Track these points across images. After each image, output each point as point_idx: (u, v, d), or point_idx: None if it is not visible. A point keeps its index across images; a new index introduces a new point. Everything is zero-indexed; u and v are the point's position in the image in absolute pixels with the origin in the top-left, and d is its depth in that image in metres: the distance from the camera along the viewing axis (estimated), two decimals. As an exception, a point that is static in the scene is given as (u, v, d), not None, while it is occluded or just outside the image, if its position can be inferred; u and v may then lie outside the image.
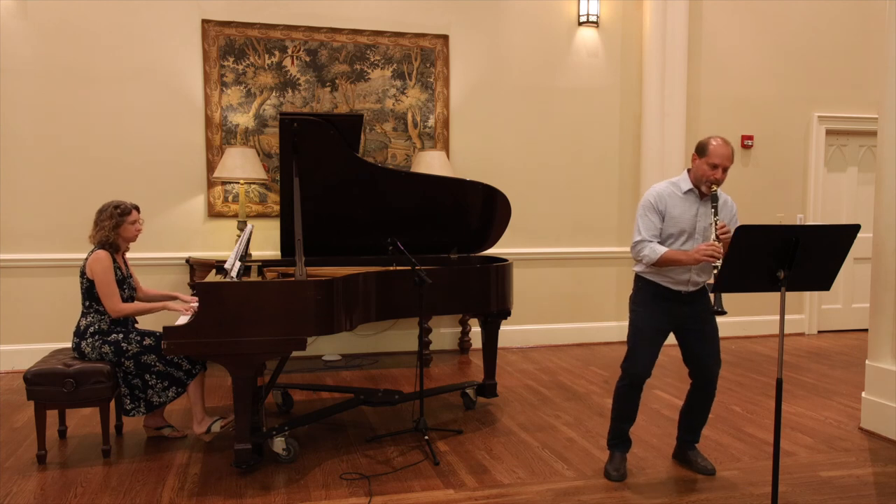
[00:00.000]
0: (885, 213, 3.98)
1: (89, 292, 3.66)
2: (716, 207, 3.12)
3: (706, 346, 3.33)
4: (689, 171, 3.29)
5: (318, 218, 4.03)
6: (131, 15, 5.37)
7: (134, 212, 3.76)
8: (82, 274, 3.67)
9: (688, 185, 3.25)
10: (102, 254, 3.64)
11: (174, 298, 3.95)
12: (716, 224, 3.08)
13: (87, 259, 3.67)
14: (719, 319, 3.35)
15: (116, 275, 3.68)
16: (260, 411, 3.69)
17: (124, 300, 3.73)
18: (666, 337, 3.34)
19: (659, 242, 3.21)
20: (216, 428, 3.82)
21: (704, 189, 3.19)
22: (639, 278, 3.36)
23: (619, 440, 3.46)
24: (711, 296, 3.15)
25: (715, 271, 3.02)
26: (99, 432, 3.63)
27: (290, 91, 5.68)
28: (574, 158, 6.35)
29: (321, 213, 4.04)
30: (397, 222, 4.24)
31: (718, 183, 3.14)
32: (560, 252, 6.37)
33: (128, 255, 3.89)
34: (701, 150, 3.21)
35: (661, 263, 3.16)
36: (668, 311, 3.28)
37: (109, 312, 3.64)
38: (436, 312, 4.76)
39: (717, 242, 3.04)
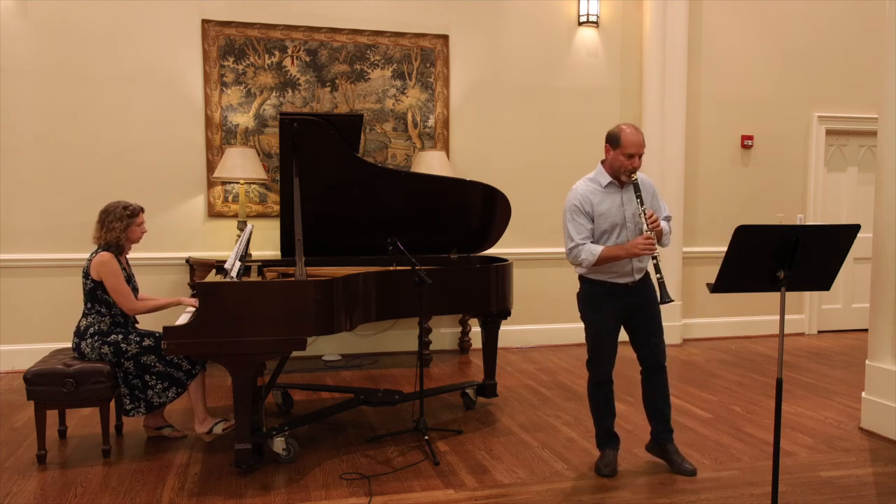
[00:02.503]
0: (885, 213, 3.98)
1: (92, 293, 3.65)
2: (640, 197, 3.15)
3: (651, 334, 3.37)
4: (602, 162, 3.30)
5: (318, 218, 4.03)
6: (131, 15, 5.37)
7: (141, 213, 3.78)
8: (86, 275, 3.66)
9: (606, 178, 3.27)
10: (107, 256, 3.62)
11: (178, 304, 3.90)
12: (644, 214, 3.11)
13: (90, 260, 3.66)
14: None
15: (123, 274, 3.69)
16: (260, 411, 3.69)
17: None
18: (619, 328, 3.37)
19: (594, 242, 3.25)
20: (218, 430, 3.82)
21: (624, 178, 3.22)
22: (584, 280, 3.39)
23: (605, 438, 3.49)
24: (657, 285, 3.16)
25: (653, 261, 3.10)
26: (99, 432, 3.63)
27: (290, 91, 5.68)
28: (574, 158, 6.34)
29: (321, 213, 4.04)
30: (397, 222, 4.23)
31: (636, 170, 3.17)
32: (560, 252, 6.27)
33: (129, 255, 3.89)
34: (613, 140, 3.21)
35: (600, 262, 3.20)
36: (617, 306, 3.32)
37: (126, 312, 3.66)
38: (436, 312, 4.77)
39: (650, 234, 3.08)
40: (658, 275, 3.11)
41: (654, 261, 3.10)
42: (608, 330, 3.34)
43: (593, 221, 3.25)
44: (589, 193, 3.27)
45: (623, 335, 3.39)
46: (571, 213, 3.27)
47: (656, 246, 3.11)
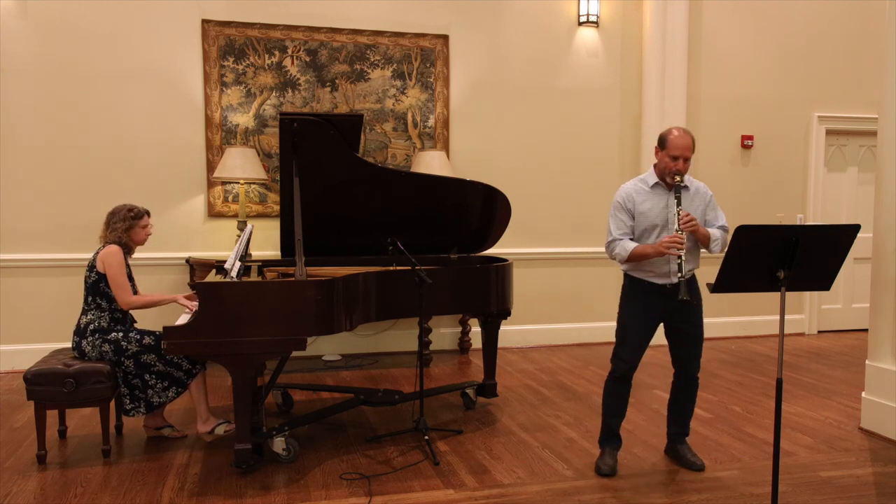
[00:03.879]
0: (885, 213, 3.98)
1: (94, 287, 3.67)
2: (678, 198, 3.16)
3: (689, 346, 3.39)
4: (655, 165, 3.34)
5: (318, 218, 4.03)
6: (131, 15, 5.37)
7: (146, 216, 3.83)
8: (91, 268, 3.68)
9: (654, 179, 3.31)
10: (115, 248, 3.67)
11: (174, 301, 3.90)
12: (678, 215, 3.13)
13: (97, 253, 3.69)
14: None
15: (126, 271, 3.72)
16: (260, 411, 3.69)
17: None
18: (653, 331, 3.39)
19: (633, 239, 3.29)
20: (220, 431, 3.83)
21: (669, 180, 3.24)
22: (625, 276, 3.44)
23: (608, 437, 3.50)
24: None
25: (678, 261, 3.10)
26: (99, 432, 3.63)
27: (290, 91, 5.68)
28: (574, 158, 6.35)
29: (321, 213, 4.04)
30: (397, 222, 4.23)
31: (681, 173, 3.18)
32: (560, 252, 6.37)
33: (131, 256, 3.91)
34: (661, 142, 3.26)
35: (632, 259, 3.26)
36: (653, 306, 3.33)
37: (121, 305, 3.67)
38: (436, 312, 4.76)
39: (680, 233, 3.09)
40: (679, 273, 3.12)
41: (679, 260, 3.11)
42: (635, 327, 3.34)
43: (634, 219, 3.29)
44: (633, 192, 3.32)
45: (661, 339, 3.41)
46: (614, 209, 3.34)
47: (683, 246, 3.09)
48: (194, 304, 3.64)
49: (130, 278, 3.77)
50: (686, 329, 3.37)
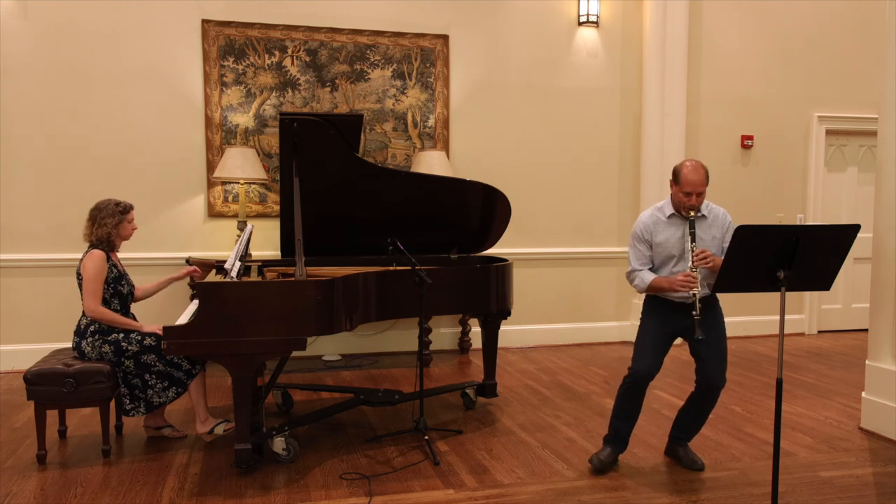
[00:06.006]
0: (885, 213, 3.98)
1: None
2: (693, 234, 3.18)
3: (713, 361, 3.35)
4: (671, 196, 3.34)
5: (319, 218, 4.03)
6: (131, 15, 5.37)
7: (131, 210, 3.79)
8: (78, 274, 3.67)
9: (670, 209, 3.32)
10: (98, 253, 3.64)
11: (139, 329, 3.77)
12: (692, 251, 3.14)
13: (82, 259, 3.67)
14: (724, 319, 3.38)
15: (113, 272, 3.69)
16: (260, 411, 3.68)
17: (125, 295, 3.76)
18: (669, 343, 3.38)
19: (652, 268, 3.34)
20: (219, 430, 3.83)
21: (684, 213, 3.25)
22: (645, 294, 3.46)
23: (613, 439, 3.51)
24: (694, 322, 3.14)
25: (692, 298, 3.11)
26: (99, 432, 3.63)
27: (290, 91, 5.68)
28: (574, 158, 6.35)
29: (321, 213, 4.04)
30: (397, 222, 4.23)
31: (695, 208, 3.20)
32: (560, 252, 6.37)
33: (129, 255, 3.90)
34: (675, 177, 3.27)
35: (650, 291, 3.32)
36: (672, 320, 3.34)
37: (85, 310, 3.63)
38: (436, 312, 4.76)
39: (693, 272, 3.11)
40: (695, 311, 3.10)
41: (693, 297, 3.11)
42: (651, 336, 3.36)
43: (652, 249, 3.33)
44: (651, 223, 3.34)
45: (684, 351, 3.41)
46: (633, 240, 3.39)
47: (696, 284, 3.10)
48: (158, 328, 3.60)
49: (122, 277, 3.76)
50: (707, 343, 3.30)
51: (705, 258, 3.11)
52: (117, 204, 3.72)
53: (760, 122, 6.72)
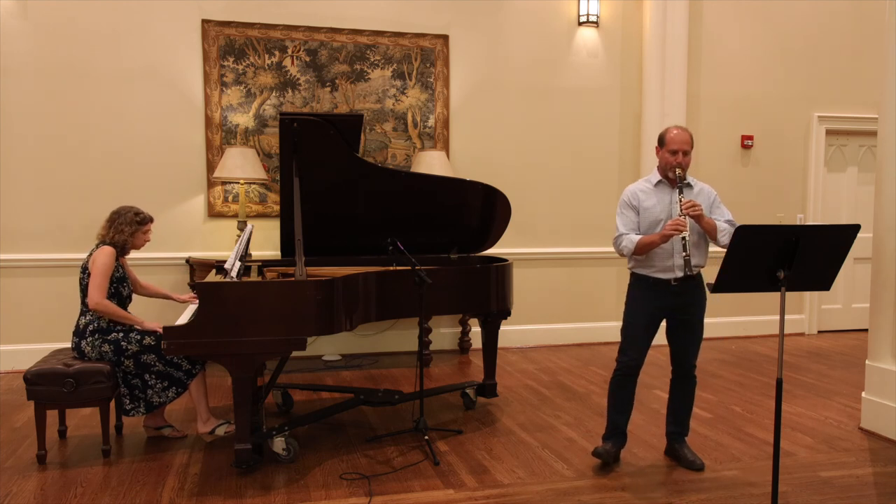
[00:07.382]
0: (885, 213, 3.98)
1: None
2: (681, 189, 3.25)
3: (688, 343, 3.45)
4: (658, 165, 3.43)
5: (318, 218, 4.03)
6: (131, 15, 5.37)
7: (150, 223, 3.86)
8: (84, 269, 3.68)
9: (657, 177, 3.41)
10: (110, 249, 3.68)
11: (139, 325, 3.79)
12: (681, 202, 3.21)
13: (90, 254, 3.69)
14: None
15: (118, 273, 3.72)
16: (260, 411, 3.68)
17: (123, 297, 3.77)
18: (656, 327, 3.44)
19: (639, 234, 3.38)
20: (220, 431, 3.83)
21: (671, 175, 3.31)
22: (631, 274, 3.50)
23: (612, 434, 3.53)
24: (682, 262, 3.22)
25: (683, 253, 3.15)
26: (99, 432, 3.63)
27: (290, 91, 5.68)
28: (574, 158, 6.35)
29: (321, 213, 4.04)
30: (397, 222, 4.23)
31: (682, 167, 3.27)
32: (560, 252, 6.37)
33: (129, 255, 3.90)
34: (660, 140, 3.39)
35: (638, 250, 3.33)
36: (657, 302, 3.38)
37: (88, 302, 3.63)
38: (436, 312, 4.76)
39: (681, 217, 3.17)
40: (685, 252, 3.16)
41: (683, 241, 3.17)
42: (638, 322, 3.40)
43: (639, 215, 3.37)
44: (638, 190, 3.42)
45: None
46: (620, 207, 3.44)
47: (685, 228, 3.15)
48: (158, 327, 3.62)
49: (124, 279, 3.77)
50: (687, 324, 3.41)
51: (693, 205, 3.18)
52: (137, 213, 3.79)
53: (760, 122, 6.72)
